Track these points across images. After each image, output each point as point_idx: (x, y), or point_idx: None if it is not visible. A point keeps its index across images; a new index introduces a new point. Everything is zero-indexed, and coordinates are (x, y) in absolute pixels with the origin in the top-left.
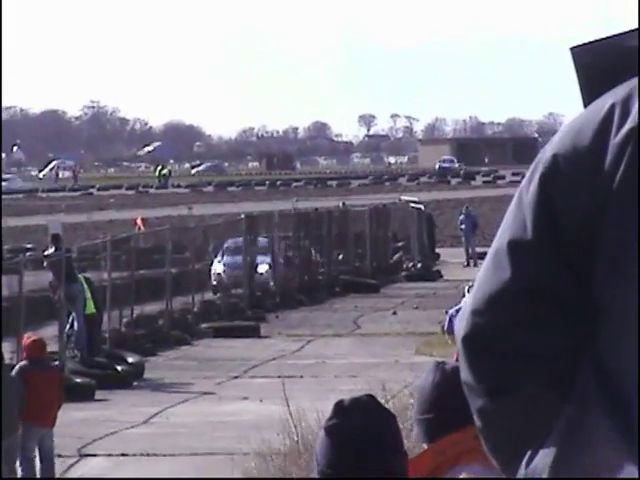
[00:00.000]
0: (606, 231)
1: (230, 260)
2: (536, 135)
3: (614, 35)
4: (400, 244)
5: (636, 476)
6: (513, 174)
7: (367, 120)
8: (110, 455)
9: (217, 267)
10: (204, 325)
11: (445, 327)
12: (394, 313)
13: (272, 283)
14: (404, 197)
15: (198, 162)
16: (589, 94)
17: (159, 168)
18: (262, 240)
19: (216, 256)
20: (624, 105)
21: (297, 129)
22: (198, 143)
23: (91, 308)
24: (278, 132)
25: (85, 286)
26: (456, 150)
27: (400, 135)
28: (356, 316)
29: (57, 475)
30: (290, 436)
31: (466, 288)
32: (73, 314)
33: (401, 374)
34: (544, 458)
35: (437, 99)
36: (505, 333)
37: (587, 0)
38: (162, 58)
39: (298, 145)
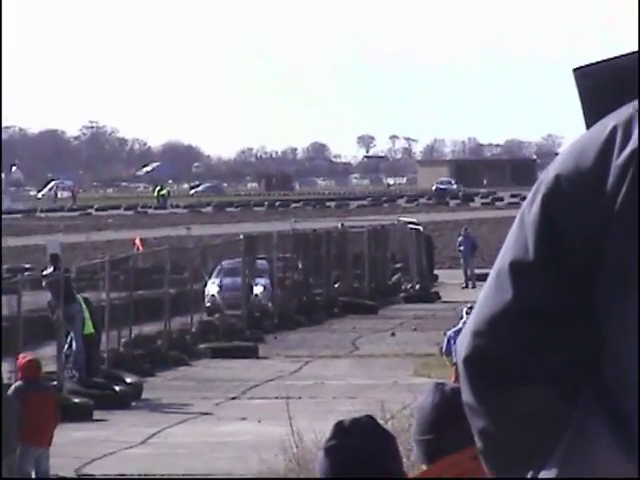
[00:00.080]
0: (608, 252)
1: (227, 281)
2: (535, 157)
3: (615, 57)
4: (399, 265)
5: None
6: (512, 196)
7: (366, 141)
8: (108, 476)
9: (211, 288)
10: (202, 345)
11: (443, 349)
12: (392, 334)
13: (270, 304)
14: (403, 218)
15: (197, 182)
16: (591, 115)
17: (158, 188)
18: (258, 262)
19: (210, 277)
20: (626, 127)
21: (296, 150)
22: (197, 164)
23: (89, 328)
24: (277, 153)
25: (84, 306)
26: (455, 171)
27: (399, 156)
28: (354, 337)
29: None
30: (288, 457)
31: (464, 310)
32: (71, 334)
33: (399, 395)
34: (546, 477)
35: (436, 120)
36: (507, 354)
37: (586, 22)
38: (161, 78)
39: (297, 166)
